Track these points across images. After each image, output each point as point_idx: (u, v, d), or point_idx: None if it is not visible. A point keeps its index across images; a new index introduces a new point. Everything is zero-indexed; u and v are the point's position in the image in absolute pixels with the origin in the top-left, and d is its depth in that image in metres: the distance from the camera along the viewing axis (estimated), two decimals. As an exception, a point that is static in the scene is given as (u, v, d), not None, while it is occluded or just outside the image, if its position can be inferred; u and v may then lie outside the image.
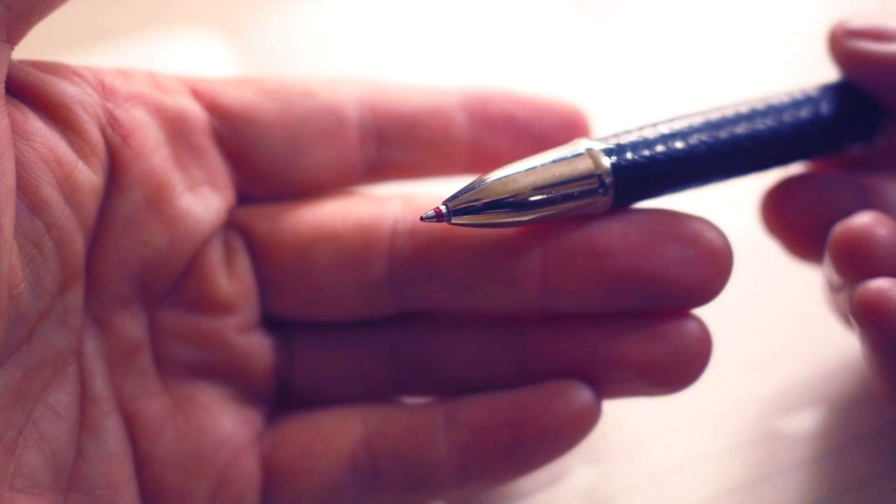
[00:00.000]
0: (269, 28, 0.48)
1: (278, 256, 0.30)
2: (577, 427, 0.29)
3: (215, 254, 0.30)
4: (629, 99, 0.45)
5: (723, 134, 0.29)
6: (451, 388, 0.30)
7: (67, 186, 0.27)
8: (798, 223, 0.32)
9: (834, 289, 0.30)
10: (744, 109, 0.30)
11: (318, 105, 0.31)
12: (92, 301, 0.29)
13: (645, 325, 0.29)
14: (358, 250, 0.30)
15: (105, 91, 0.28)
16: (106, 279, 0.29)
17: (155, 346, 0.30)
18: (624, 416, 0.33)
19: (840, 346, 0.35)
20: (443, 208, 0.27)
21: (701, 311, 0.29)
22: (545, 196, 0.28)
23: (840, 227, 0.29)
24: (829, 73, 0.32)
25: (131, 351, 0.29)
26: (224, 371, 0.30)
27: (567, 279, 0.28)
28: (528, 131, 0.32)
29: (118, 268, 0.29)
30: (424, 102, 0.32)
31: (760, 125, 0.29)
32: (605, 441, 0.33)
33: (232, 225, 0.31)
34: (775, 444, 0.33)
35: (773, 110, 0.30)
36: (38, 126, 0.27)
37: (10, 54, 0.26)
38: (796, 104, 0.30)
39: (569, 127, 0.32)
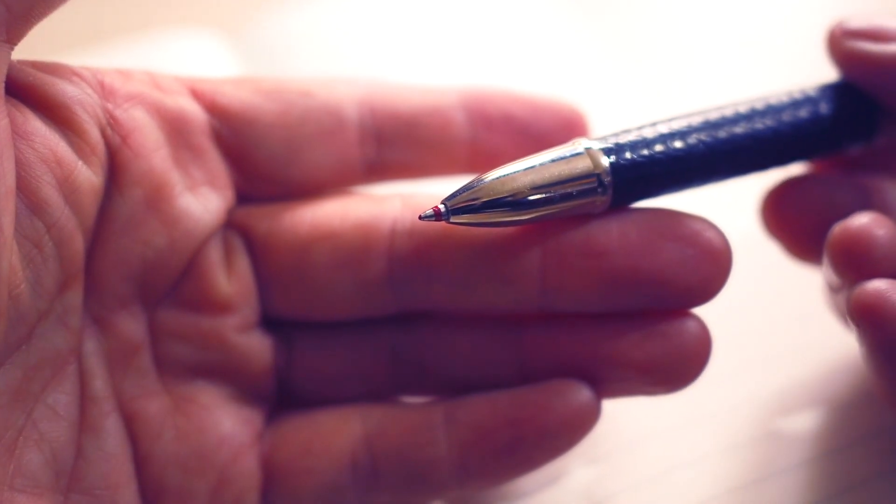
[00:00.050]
0: (269, 28, 0.48)
1: (277, 256, 0.30)
2: (576, 426, 0.29)
3: (215, 254, 0.30)
4: (628, 98, 0.45)
5: (722, 134, 0.29)
6: (450, 387, 0.30)
7: (67, 186, 0.27)
8: (798, 224, 0.32)
9: (833, 289, 0.30)
10: (743, 109, 0.30)
11: (318, 105, 0.31)
12: (92, 301, 0.29)
13: (644, 325, 0.29)
14: (357, 250, 0.30)
15: (105, 91, 0.28)
16: (106, 279, 0.29)
17: (155, 346, 0.30)
18: (624, 416, 0.33)
19: (840, 346, 0.35)
20: (441, 207, 0.27)
21: (701, 311, 0.29)
22: (544, 195, 0.28)
23: (838, 228, 0.29)
24: (828, 73, 0.32)
25: (131, 351, 0.29)
26: (224, 371, 0.30)
27: (566, 279, 0.28)
28: (527, 131, 0.32)
29: (118, 268, 0.29)
30: (423, 102, 0.32)
31: (759, 125, 0.29)
32: (604, 441, 0.33)
33: (231, 225, 0.31)
34: (775, 444, 0.33)
35: (772, 110, 0.30)
36: (37, 126, 0.27)
37: (10, 54, 0.26)
38: (795, 104, 0.30)
39: (567, 126, 0.32)
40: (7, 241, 0.25)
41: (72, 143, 0.27)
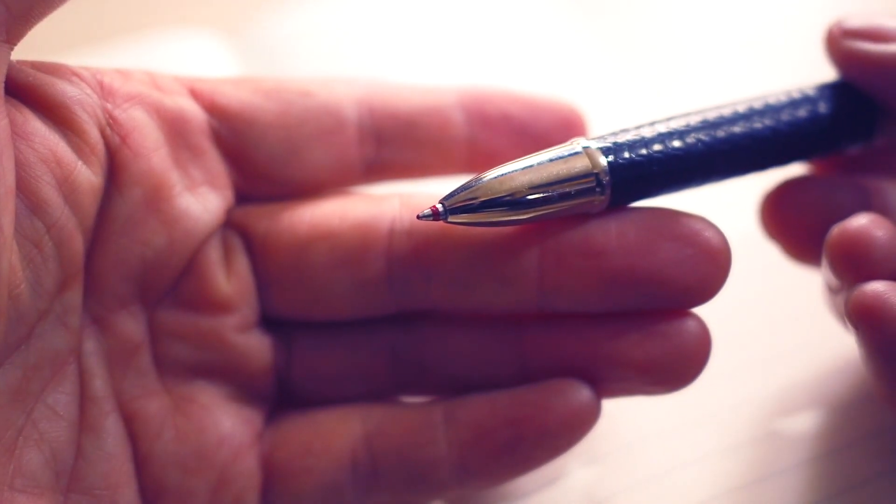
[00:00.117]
0: (269, 28, 0.48)
1: (276, 256, 0.30)
2: (576, 426, 0.29)
3: (214, 253, 0.30)
4: (628, 98, 0.45)
5: (720, 133, 0.29)
6: (450, 387, 0.30)
7: (67, 187, 0.27)
8: (797, 226, 0.32)
9: (832, 291, 0.30)
10: (742, 109, 0.30)
11: (317, 105, 0.31)
12: (91, 301, 0.29)
13: (644, 324, 0.29)
14: (356, 250, 0.30)
15: (104, 91, 0.28)
16: (105, 279, 0.29)
17: (154, 346, 0.30)
18: (624, 416, 0.33)
19: (840, 346, 0.35)
20: (439, 207, 0.27)
21: (701, 311, 0.29)
22: (542, 195, 0.28)
23: (837, 230, 0.29)
24: (828, 72, 0.32)
25: (131, 350, 0.29)
26: (223, 370, 0.30)
27: (564, 278, 0.28)
28: (526, 130, 0.32)
29: (117, 267, 0.29)
30: (422, 102, 0.32)
31: (758, 125, 0.29)
32: (604, 441, 0.33)
33: (230, 224, 0.31)
34: (775, 444, 0.33)
35: (771, 110, 0.30)
36: (37, 126, 0.27)
37: (9, 55, 0.26)
38: (794, 104, 0.30)
39: (566, 126, 0.32)
40: (7, 241, 0.25)
41: (71, 144, 0.27)
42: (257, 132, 0.30)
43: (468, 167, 0.32)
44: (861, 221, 0.28)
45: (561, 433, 0.29)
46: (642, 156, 0.28)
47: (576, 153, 0.28)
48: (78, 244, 0.28)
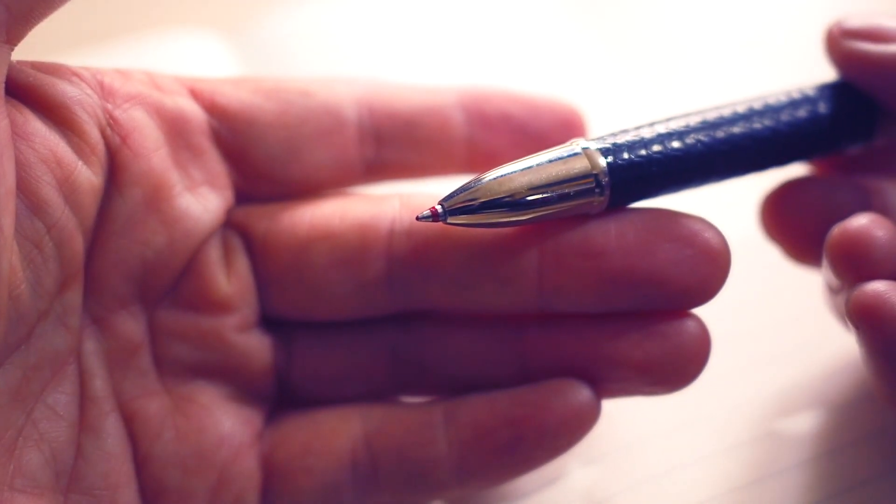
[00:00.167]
0: (269, 28, 0.48)
1: (276, 256, 0.30)
2: (576, 426, 0.29)
3: (214, 253, 0.30)
4: (628, 98, 0.45)
5: (720, 134, 0.29)
6: (450, 387, 0.30)
7: (67, 187, 0.27)
8: (797, 227, 0.32)
9: (833, 291, 0.30)
10: (741, 109, 0.30)
11: (317, 105, 0.31)
12: (91, 301, 0.29)
13: (643, 324, 0.28)
14: (355, 250, 0.30)
15: (104, 92, 0.28)
16: (105, 279, 0.29)
17: (154, 346, 0.30)
18: (624, 416, 0.33)
19: (840, 346, 0.35)
20: (438, 208, 0.27)
21: (701, 312, 0.29)
22: (541, 196, 0.28)
23: (837, 230, 0.29)
24: (828, 72, 0.32)
25: (131, 351, 0.29)
26: (223, 370, 0.30)
27: (564, 279, 0.28)
28: (525, 130, 0.32)
29: (117, 268, 0.29)
30: (422, 102, 0.32)
31: (758, 125, 0.29)
32: (604, 441, 0.33)
33: (230, 225, 0.31)
34: (775, 444, 0.33)
35: (770, 110, 0.30)
36: (37, 127, 0.27)
37: (10, 55, 0.26)
38: (794, 104, 0.30)
39: (565, 126, 0.32)
40: (7, 241, 0.25)
41: (72, 144, 0.27)
42: (257, 132, 0.30)
43: (468, 167, 0.32)
44: (861, 221, 0.28)
45: (561, 433, 0.29)
46: (641, 157, 0.28)
47: (575, 154, 0.28)
48: (78, 244, 0.28)
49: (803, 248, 0.32)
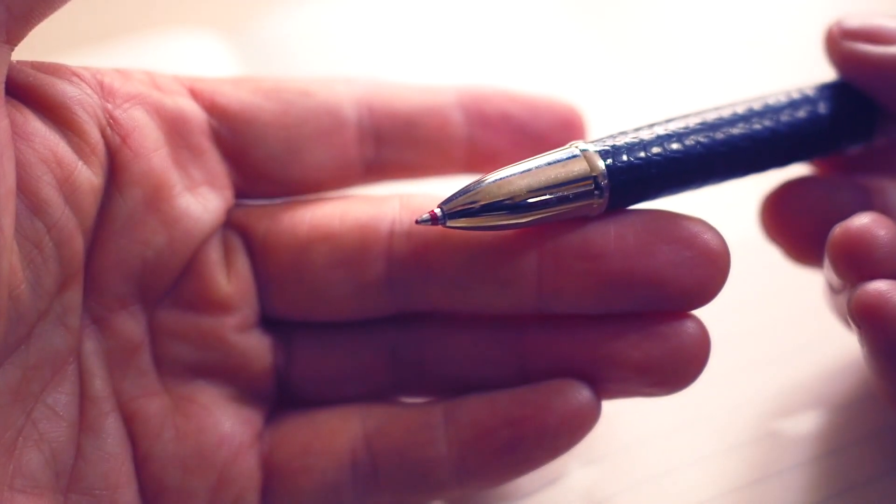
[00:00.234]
0: (268, 28, 0.48)
1: (276, 256, 0.30)
2: (576, 426, 0.29)
3: (214, 253, 0.30)
4: (628, 98, 0.45)
5: (719, 135, 0.29)
6: (449, 387, 0.30)
7: (67, 187, 0.27)
8: (798, 227, 0.32)
9: (834, 290, 0.30)
10: (741, 110, 0.30)
11: (317, 104, 0.31)
12: (91, 301, 0.29)
13: (643, 325, 0.28)
14: (355, 251, 0.30)
15: (104, 91, 0.28)
16: (105, 279, 0.29)
17: (154, 346, 0.30)
18: (623, 416, 0.33)
19: (840, 346, 0.35)
20: (437, 211, 0.28)
21: (701, 312, 0.29)
22: (540, 199, 0.27)
23: (839, 229, 0.28)
24: (829, 72, 0.32)
25: (131, 350, 0.29)
26: (223, 370, 0.30)
27: (563, 281, 0.28)
28: (525, 130, 0.32)
29: (117, 268, 0.29)
30: (421, 101, 0.32)
31: (758, 126, 0.29)
32: (604, 441, 0.33)
33: (231, 225, 0.31)
34: (775, 445, 0.33)
35: (770, 110, 0.30)
36: (38, 127, 0.27)
37: (10, 55, 0.26)
38: (794, 104, 0.30)
39: (565, 126, 0.32)
40: (7, 241, 0.25)
41: (72, 144, 0.27)
42: (257, 132, 0.30)
43: (467, 167, 0.32)
44: (863, 221, 0.28)
45: (561, 433, 0.29)
46: (640, 159, 0.28)
47: (574, 157, 0.28)
48: (78, 244, 0.28)
49: (804, 248, 0.32)
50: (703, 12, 0.49)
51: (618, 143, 0.28)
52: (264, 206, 0.31)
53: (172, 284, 0.30)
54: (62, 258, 0.27)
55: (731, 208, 0.34)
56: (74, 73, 0.28)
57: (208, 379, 0.30)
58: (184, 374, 0.30)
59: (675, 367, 0.28)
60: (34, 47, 0.27)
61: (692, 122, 0.29)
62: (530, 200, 0.27)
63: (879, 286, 0.27)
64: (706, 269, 0.28)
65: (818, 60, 0.32)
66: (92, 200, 0.28)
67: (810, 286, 0.34)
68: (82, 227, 0.28)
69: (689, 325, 0.28)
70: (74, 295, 0.28)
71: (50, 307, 0.27)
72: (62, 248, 0.27)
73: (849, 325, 0.29)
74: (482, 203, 0.27)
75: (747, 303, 0.36)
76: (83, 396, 0.28)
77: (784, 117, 0.30)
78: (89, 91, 0.28)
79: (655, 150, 0.28)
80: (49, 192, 0.27)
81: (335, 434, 0.30)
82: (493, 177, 0.28)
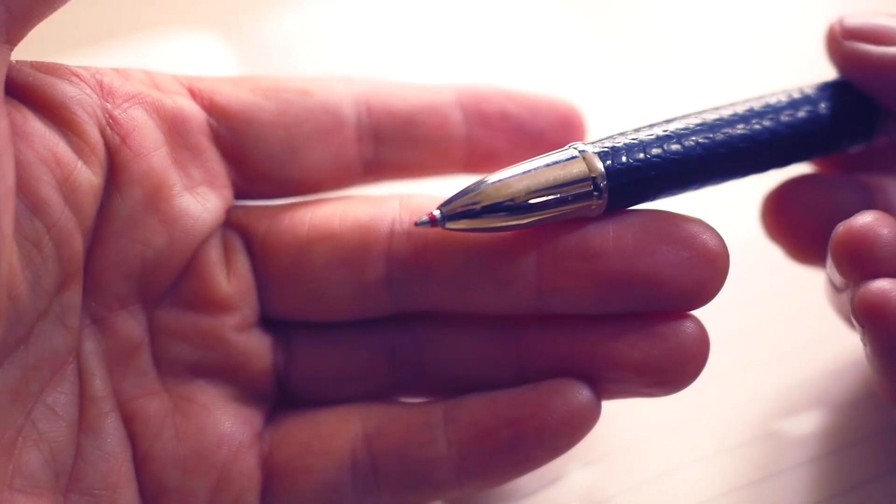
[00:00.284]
0: (268, 28, 0.48)
1: (276, 256, 0.30)
2: (576, 425, 0.29)
3: (214, 253, 0.30)
4: (628, 98, 0.45)
5: (719, 136, 0.29)
6: (449, 387, 0.30)
7: (67, 187, 0.27)
8: (800, 226, 0.32)
9: (836, 289, 0.30)
10: (741, 110, 0.29)
11: (316, 104, 0.31)
12: (91, 301, 0.29)
13: (642, 325, 0.28)
14: (355, 251, 0.30)
15: (104, 91, 0.28)
16: (105, 279, 0.29)
17: (154, 346, 0.30)
18: (623, 416, 0.33)
19: (840, 346, 0.35)
20: (436, 213, 0.28)
21: (701, 312, 0.29)
22: (539, 200, 0.27)
23: (842, 227, 0.28)
24: (829, 72, 0.32)
25: (130, 350, 0.29)
26: (223, 370, 0.30)
27: (561, 281, 0.28)
28: (524, 129, 0.32)
29: (117, 267, 0.29)
30: (420, 101, 0.32)
31: (758, 126, 0.29)
32: (604, 442, 0.33)
33: (230, 224, 0.31)
34: (776, 445, 0.33)
35: (770, 110, 0.30)
36: (37, 127, 0.27)
37: (9, 55, 0.26)
38: (794, 104, 0.30)
39: (564, 124, 0.32)
40: (7, 241, 0.25)
41: (71, 144, 0.27)
42: (256, 131, 0.30)
43: (466, 166, 0.32)
44: (866, 219, 0.28)
45: (561, 433, 0.29)
46: (640, 160, 0.28)
47: (573, 158, 0.28)
48: (77, 244, 0.28)
49: (806, 247, 0.32)
50: (703, 12, 0.49)
51: (617, 145, 0.28)
52: (264, 207, 0.31)
53: (172, 284, 0.30)
54: (61, 258, 0.27)
55: (731, 208, 0.34)
56: (74, 73, 0.28)
57: (208, 379, 0.30)
58: (183, 374, 0.30)
59: (674, 367, 0.28)
60: (34, 47, 0.27)
61: (692, 122, 0.29)
62: (529, 202, 0.27)
63: (883, 285, 0.27)
64: (705, 269, 0.28)
65: (819, 60, 0.32)
66: (91, 200, 0.28)
67: (810, 286, 0.34)
68: (82, 227, 0.28)
69: (688, 326, 0.28)
70: (74, 295, 0.28)
71: (49, 307, 0.27)
72: (61, 247, 0.27)
73: (851, 324, 0.29)
74: (481, 205, 0.27)
75: (747, 303, 0.36)
76: (83, 396, 0.28)
77: (784, 117, 0.30)
78: (89, 91, 0.28)
79: (655, 151, 0.28)
80: (48, 191, 0.27)
81: (335, 434, 0.30)
82: (491, 179, 0.28)
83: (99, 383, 0.29)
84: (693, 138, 0.29)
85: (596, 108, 0.35)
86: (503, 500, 0.32)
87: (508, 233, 0.29)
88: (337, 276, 0.30)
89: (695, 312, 0.29)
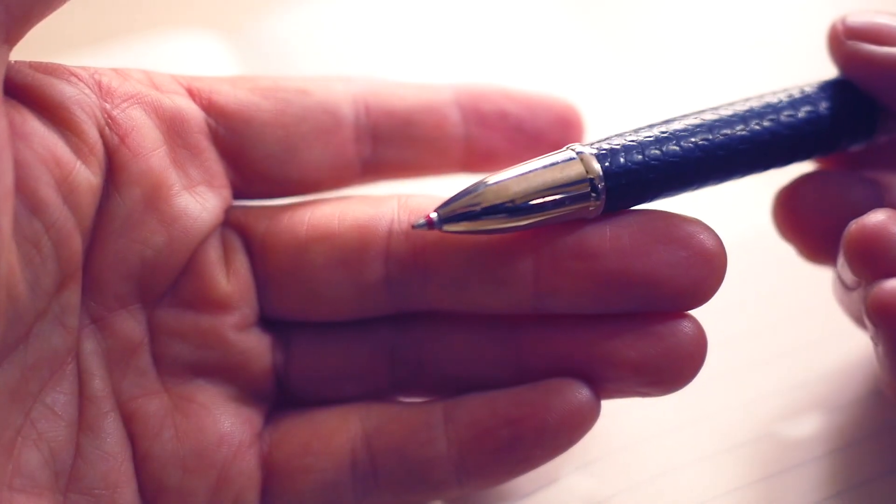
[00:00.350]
0: (268, 28, 0.48)
1: (275, 256, 0.30)
2: (575, 424, 0.29)
3: (213, 252, 0.30)
4: (628, 98, 0.45)
5: (718, 137, 0.29)
6: (448, 387, 0.30)
7: (66, 187, 0.27)
8: (813, 223, 0.31)
9: (847, 288, 0.30)
10: (740, 109, 0.29)
11: (314, 104, 0.31)
12: (90, 300, 0.29)
13: (639, 325, 0.28)
14: (354, 251, 0.30)
15: (102, 91, 0.28)
16: (104, 278, 0.29)
17: (153, 345, 0.30)
18: (623, 416, 0.33)
19: (841, 346, 0.35)
20: (434, 216, 0.28)
21: (701, 312, 0.29)
22: (537, 202, 0.27)
23: (855, 225, 0.28)
24: (830, 71, 0.31)
25: (130, 350, 0.29)
26: (223, 369, 0.30)
27: (559, 281, 0.28)
28: (522, 128, 0.32)
29: (116, 267, 0.29)
30: (418, 100, 0.32)
31: (757, 127, 0.29)
32: (604, 442, 0.33)
33: (229, 224, 0.31)
34: (776, 444, 0.33)
35: (770, 110, 0.29)
36: (36, 127, 0.27)
37: (8, 55, 0.26)
38: (794, 104, 0.30)
39: (562, 124, 0.32)
40: (6, 241, 0.26)
41: (70, 144, 0.27)
42: (254, 131, 0.30)
43: (465, 165, 0.33)
44: (879, 217, 0.28)
45: (561, 432, 0.29)
46: (638, 161, 0.28)
47: (570, 159, 0.28)
48: (76, 244, 0.28)
49: (818, 245, 0.32)
50: (703, 12, 0.49)
51: (615, 146, 0.28)
52: (263, 206, 0.31)
53: (171, 284, 0.30)
54: (60, 258, 0.27)
55: (730, 208, 0.34)
56: (72, 73, 0.28)
57: (208, 378, 0.30)
58: (183, 374, 0.30)
59: (672, 366, 0.28)
60: (33, 47, 0.27)
61: (690, 123, 0.29)
62: (526, 204, 0.27)
63: None
64: (702, 269, 0.28)
65: (819, 60, 0.32)
66: (90, 200, 0.28)
67: (810, 286, 0.34)
68: (81, 227, 0.28)
69: (686, 325, 0.28)
70: (73, 294, 0.28)
71: (48, 307, 0.27)
72: (60, 247, 0.27)
73: (860, 323, 0.28)
74: (478, 207, 0.27)
75: (747, 303, 0.36)
76: (82, 396, 0.28)
77: (784, 117, 0.29)
78: (87, 91, 0.28)
79: (653, 152, 0.28)
80: (47, 191, 0.27)
81: (335, 434, 0.30)
82: (488, 181, 0.28)
83: (98, 383, 0.29)
84: (692, 140, 0.28)
85: (595, 107, 0.35)
86: (503, 500, 0.32)
87: (505, 234, 0.29)
88: (336, 276, 0.30)
89: (695, 312, 0.29)
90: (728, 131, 0.29)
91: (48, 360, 0.27)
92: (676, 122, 0.29)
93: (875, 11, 0.31)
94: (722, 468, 0.33)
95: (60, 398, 0.28)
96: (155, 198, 0.29)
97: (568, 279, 0.28)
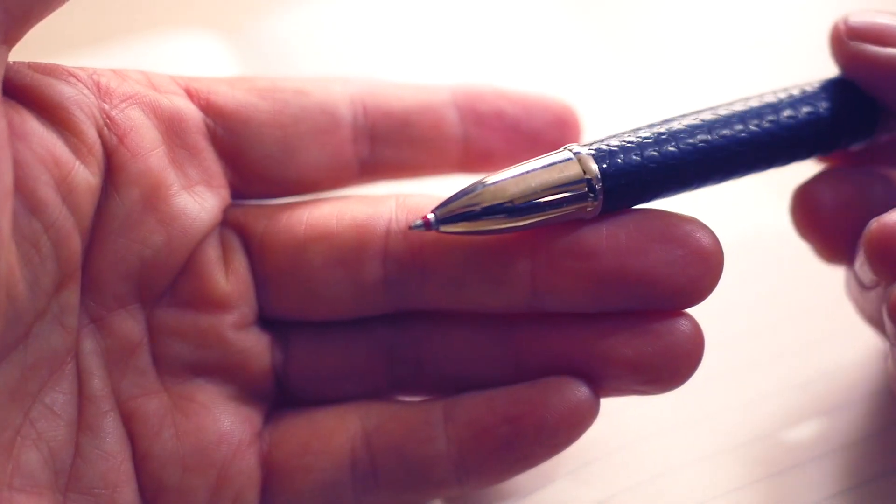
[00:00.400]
0: (267, 28, 0.48)
1: (274, 256, 0.30)
2: (575, 422, 0.29)
3: (212, 252, 0.30)
4: (627, 98, 0.45)
5: (717, 138, 0.29)
6: (447, 386, 0.30)
7: (65, 187, 0.27)
8: (831, 221, 0.31)
9: (864, 287, 0.30)
10: (740, 108, 0.29)
11: (312, 104, 0.31)
12: (89, 300, 0.29)
13: (636, 323, 0.28)
14: (352, 250, 0.30)
15: (101, 92, 0.29)
16: (103, 278, 0.29)
17: (153, 345, 0.30)
18: (622, 416, 0.33)
19: (841, 346, 0.35)
20: (431, 217, 0.28)
21: (702, 311, 0.29)
22: (533, 203, 0.27)
23: (876, 224, 0.27)
24: (830, 71, 0.31)
25: (129, 349, 0.29)
26: (222, 369, 0.30)
27: (555, 280, 0.28)
28: (519, 128, 0.32)
29: (115, 267, 0.29)
30: (416, 100, 0.32)
31: (755, 128, 0.29)
32: (604, 441, 0.33)
33: (228, 224, 0.31)
34: (775, 445, 0.33)
35: (769, 109, 0.29)
36: (35, 127, 0.27)
37: (7, 55, 0.26)
38: (793, 103, 0.30)
39: (560, 124, 0.32)
40: (5, 241, 0.26)
41: (69, 144, 0.28)
42: (253, 131, 0.31)
43: (462, 165, 0.33)
44: None
45: (560, 430, 0.29)
46: (635, 162, 0.28)
47: (568, 160, 0.28)
48: (75, 244, 0.28)
49: (837, 244, 0.31)
50: (702, 11, 0.49)
51: (612, 146, 0.28)
52: (262, 206, 0.31)
53: (171, 283, 0.30)
54: (60, 258, 0.27)
55: (730, 208, 0.34)
56: (71, 74, 0.28)
57: (207, 377, 0.30)
58: (183, 373, 0.30)
59: (669, 364, 0.28)
60: (32, 48, 0.27)
61: (690, 122, 0.29)
62: (525, 205, 0.27)
63: None
64: (698, 267, 0.28)
65: (820, 60, 0.32)
66: (89, 200, 0.28)
67: (810, 286, 0.34)
68: (80, 227, 0.28)
69: (683, 324, 0.28)
70: (72, 294, 0.28)
71: (48, 307, 0.27)
72: (60, 247, 0.27)
73: (875, 322, 0.28)
74: (476, 208, 0.27)
75: (747, 303, 0.36)
76: (81, 396, 0.28)
77: (784, 117, 0.29)
78: (86, 91, 0.28)
79: (651, 152, 0.28)
80: (46, 191, 0.27)
81: (334, 433, 0.30)
82: (486, 182, 0.28)
83: (98, 383, 0.29)
84: (690, 140, 0.28)
85: (593, 107, 0.35)
86: (502, 500, 0.32)
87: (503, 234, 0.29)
88: (334, 276, 0.30)
89: (694, 312, 0.29)
90: (727, 132, 0.29)
91: (47, 359, 0.27)
92: (675, 123, 0.29)
93: (876, 11, 0.31)
94: (722, 468, 0.32)
95: (60, 398, 0.28)
96: (153, 198, 0.29)
97: (565, 278, 0.28)
